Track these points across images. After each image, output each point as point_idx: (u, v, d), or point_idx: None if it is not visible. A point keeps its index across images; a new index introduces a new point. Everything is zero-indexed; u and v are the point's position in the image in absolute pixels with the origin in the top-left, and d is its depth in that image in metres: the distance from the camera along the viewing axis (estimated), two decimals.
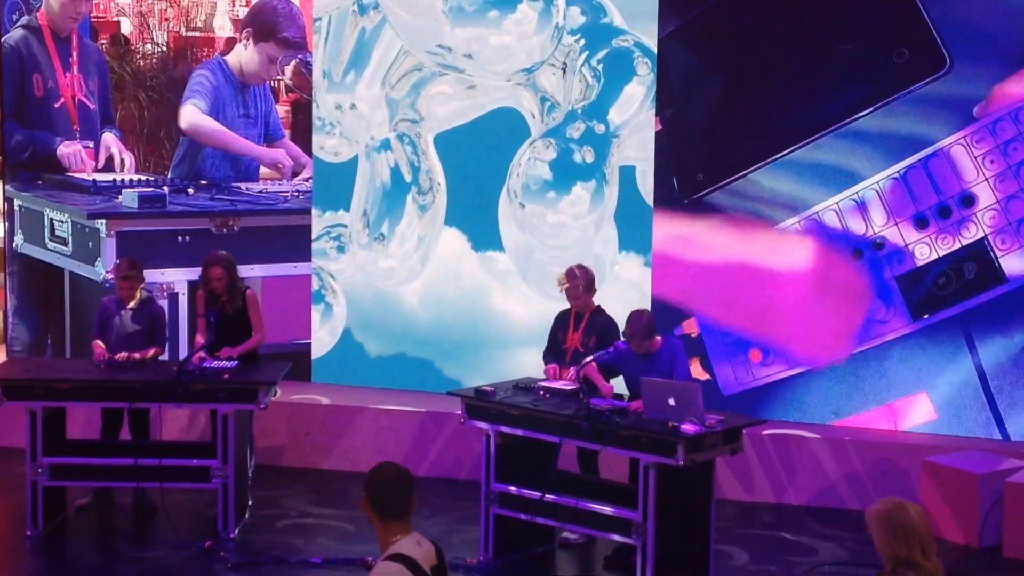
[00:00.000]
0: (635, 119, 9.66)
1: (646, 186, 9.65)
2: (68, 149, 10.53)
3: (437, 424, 9.53)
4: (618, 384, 8.10)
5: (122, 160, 10.62)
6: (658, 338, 7.96)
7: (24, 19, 10.64)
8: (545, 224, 9.91)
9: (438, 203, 10.10)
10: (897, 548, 4.43)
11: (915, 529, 4.43)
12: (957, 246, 8.96)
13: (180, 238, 10.11)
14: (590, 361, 7.94)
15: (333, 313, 10.36)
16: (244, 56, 10.48)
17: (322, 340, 10.36)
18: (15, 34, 10.62)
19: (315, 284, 10.32)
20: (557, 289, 8.40)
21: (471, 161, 10.00)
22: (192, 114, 10.45)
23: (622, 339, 7.95)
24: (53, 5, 10.58)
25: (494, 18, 9.83)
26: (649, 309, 8.26)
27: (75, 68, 10.60)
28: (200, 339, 8.85)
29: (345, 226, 10.28)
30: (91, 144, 10.63)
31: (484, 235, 10.01)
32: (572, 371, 8.10)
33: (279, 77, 10.46)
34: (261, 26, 10.45)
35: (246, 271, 9.22)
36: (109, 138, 10.66)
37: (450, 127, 10.04)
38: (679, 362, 7.94)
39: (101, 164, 10.63)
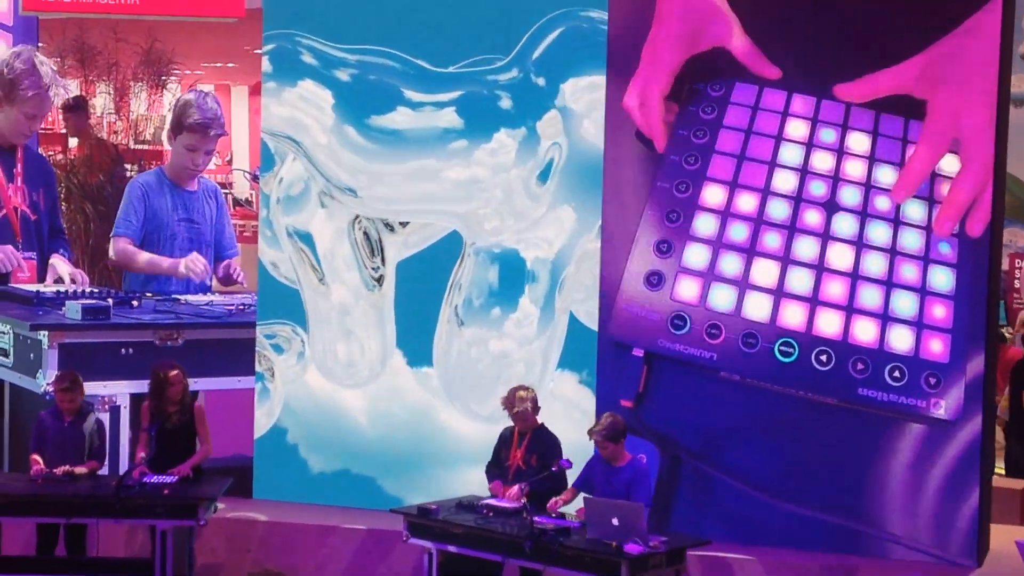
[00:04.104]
0: None
1: None
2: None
3: (378, 541, 9.44)
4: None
5: (73, 281, 10.59)
6: (627, 453, 7.98)
7: None
8: None
9: None
10: None
11: None
12: None
13: (123, 350, 10.04)
14: (548, 476, 7.97)
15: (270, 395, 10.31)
16: (172, 155, 10.59)
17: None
18: None
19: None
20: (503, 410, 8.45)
21: None
22: (119, 253, 10.54)
23: (565, 458, 8.02)
24: (2, 121, 10.57)
25: None
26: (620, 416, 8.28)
27: (19, 179, 10.58)
28: (141, 453, 8.77)
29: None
30: (33, 256, 10.58)
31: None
32: (515, 489, 8.09)
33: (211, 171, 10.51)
34: (174, 120, 10.63)
35: (190, 384, 9.17)
36: (57, 260, 10.63)
37: None
38: (640, 486, 7.94)
39: (49, 283, 10.59)
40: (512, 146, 9.79)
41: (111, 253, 10.58)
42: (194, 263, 10.56)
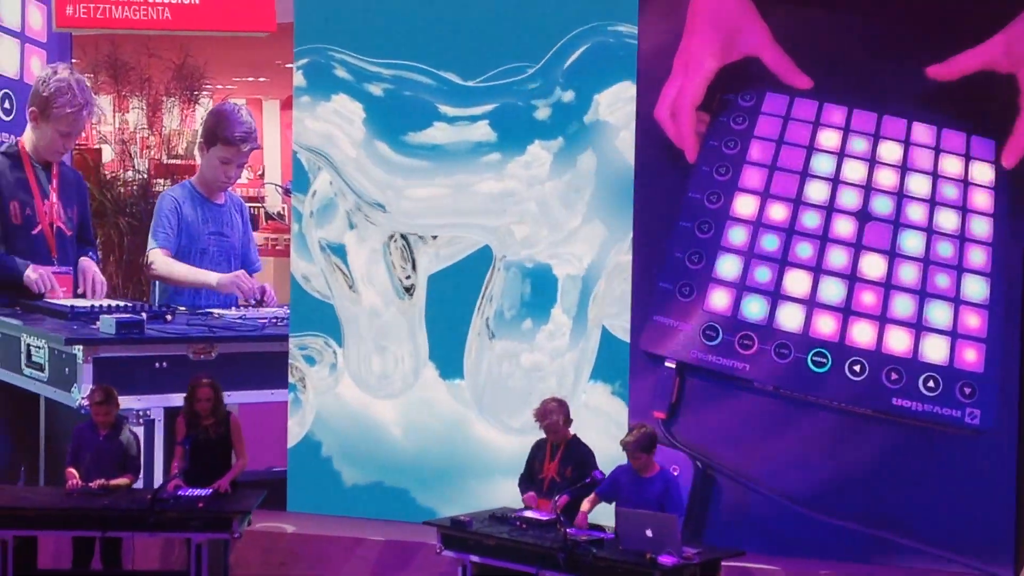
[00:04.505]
0: None
1: None
2: (35, 275, 10.52)
3: (412, 554, 9.45)
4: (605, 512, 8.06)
5: (92, 284, 10.62)
6: (656, 464, 7.96)
7: (4, 145, 10.70)
8: None
9: None
10: None
11: None
12: None
13: (157, 364, 10.08)
14: (583, 488, 7.95)
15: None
16: (203, 167, 10.59)
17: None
18: None
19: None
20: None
21: None
22: (160, 264, 10.53)
23: (598, 469, 8.00)
24: (38, 138, 10.64)
25: None
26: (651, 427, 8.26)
27: (54, 196, 10.65)
28: (176, 466, 8.80)
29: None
30: (68, 270, 10.64)
31: None
32: (561, 501, 8.07)
33: (244, 183, 10.53)
34: (207, 132, 10.62)
35: (223, 398, 9.20)
36: (85, 263, 10.68)
37: None
38: (674, 497, 7.91)
39: (81, 290, 10.64)
40: (546, 159, 9.81)
41: (149, 264, 10.58)
42: (244, 279, 10.57)
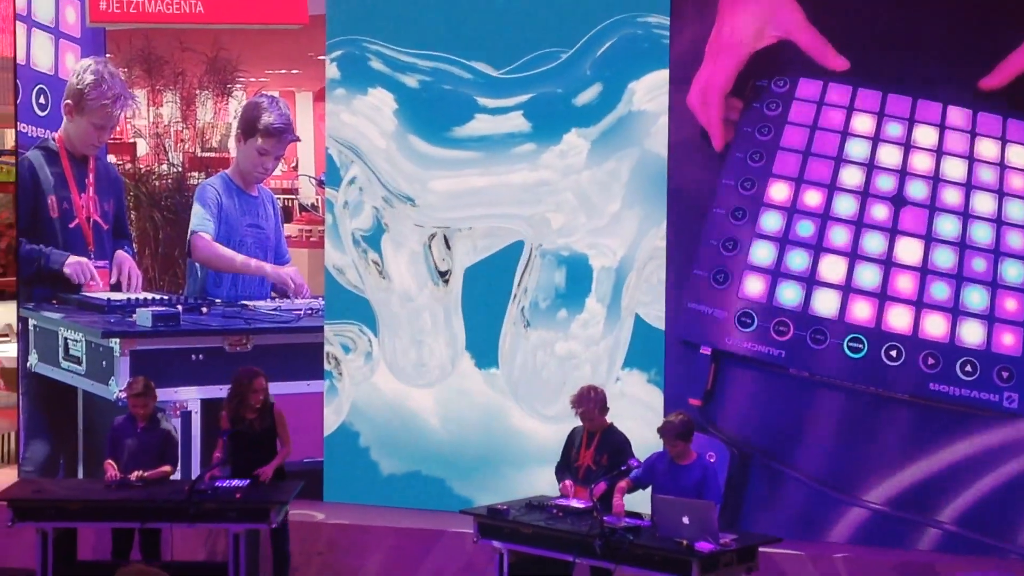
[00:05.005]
0: None
1: None
2: (74, 266, 10.61)
3: (449, 542, 9.47)
4: (641, 500, 8.06)
5: (128, 276, 10.69)
6: (693, 451, 7.94)
7: (41, 141, 10.76)
8: None
9: None
10: None
11: None
12: None
13: (193, 356, 10.13)
14: (619, 475, 7.94)
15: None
16: (240, 159, 10.61)
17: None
18: (32, 155, 10.75)
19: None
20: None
21: None
22: (203, 247, 10.52)
23: (634, 457, 7.98)
24: (73, 131, 10.71)
25: None
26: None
27: (91, 190, 10.71)
28: (217, 457, 8.81)
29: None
30: (104, 264, 10.70)
31: None
32: (598, 489, 8.06)
33: (279, 176, 10.57)
34: (245, 123, 10.64)
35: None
36: (121, 256, 10.74)
37: None
38: (711, 484, 7.89)
39: (113, 280, 10.70)
40: (581, 147, 9.79)
41: (193, 249, 10.56)
42: (296, 275, 10.60)
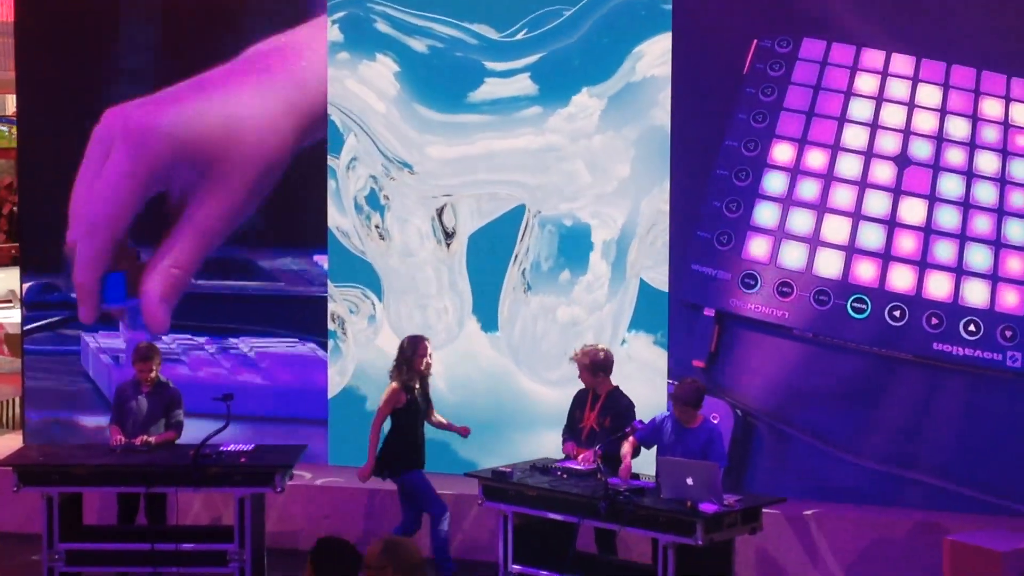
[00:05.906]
0: None
1: None
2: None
3: (454, 506, 9.49)
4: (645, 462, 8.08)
5: None
6: (700, 415, 7.96)
7: None
8: None
9: None
10: None
11: None
12: None
13: None
14: (621, 437, 7.96)
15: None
16: None
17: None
18: None
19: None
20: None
21: None
22: None
23: (638, 419, 8.01)
24: None
25: None
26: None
27: None
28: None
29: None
30: None
31: None
32: (589, 453, 8.08)
33: None
34: None
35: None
36: None
37: None
38: (716, 446, 7.91)
39: None
40: (593, 108, 9.74)
41: None
42: None
